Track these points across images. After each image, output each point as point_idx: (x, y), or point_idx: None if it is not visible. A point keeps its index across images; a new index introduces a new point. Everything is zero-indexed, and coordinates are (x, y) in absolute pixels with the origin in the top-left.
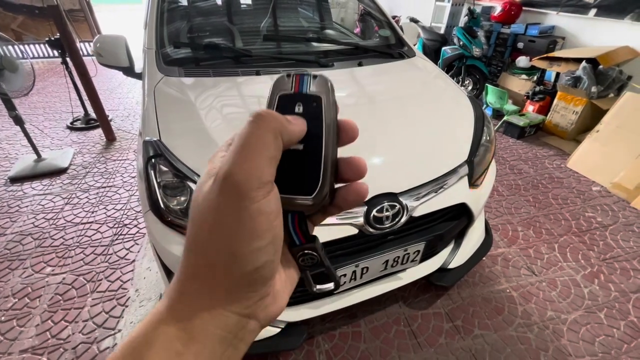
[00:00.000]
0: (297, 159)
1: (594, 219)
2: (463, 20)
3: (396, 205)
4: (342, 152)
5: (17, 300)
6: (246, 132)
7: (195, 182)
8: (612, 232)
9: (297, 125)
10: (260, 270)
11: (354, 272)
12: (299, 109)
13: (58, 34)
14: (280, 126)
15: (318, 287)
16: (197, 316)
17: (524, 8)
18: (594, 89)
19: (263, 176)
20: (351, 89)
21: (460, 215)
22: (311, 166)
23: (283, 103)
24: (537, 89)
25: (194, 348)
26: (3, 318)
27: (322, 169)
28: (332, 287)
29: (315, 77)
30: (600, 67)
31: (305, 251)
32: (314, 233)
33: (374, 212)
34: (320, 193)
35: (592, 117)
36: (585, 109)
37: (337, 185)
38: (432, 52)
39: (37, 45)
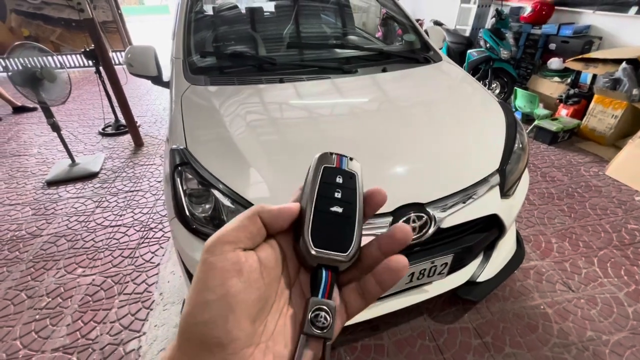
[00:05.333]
0: (336, 220)
1: (638, 231)
2: (490, 22)
3: (423, 216)
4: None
5: (50, 299)
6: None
7: (219, 190)
8: None
9: (281, 208)
10: (208, 325)
11: None
12: (339, 179)
13: (93, 45)
14: (259, 209)
15: None
16: None
17: (556, 8)
18: (635, 91)
19: (225, 237)
20: (376, 95)
21: (490, 227)
22: (347, 227)
23: (327, 173)
24: (572, 91)
25: None
26: (38, 317)
27: (355, 231)
28: None
29: (351, 159)
30: None
31: (323, 306)
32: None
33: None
34: (352, 250)
35: (634, 122)
36: (626, 113)
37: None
38: (457, 55)
39: (73, 56)
